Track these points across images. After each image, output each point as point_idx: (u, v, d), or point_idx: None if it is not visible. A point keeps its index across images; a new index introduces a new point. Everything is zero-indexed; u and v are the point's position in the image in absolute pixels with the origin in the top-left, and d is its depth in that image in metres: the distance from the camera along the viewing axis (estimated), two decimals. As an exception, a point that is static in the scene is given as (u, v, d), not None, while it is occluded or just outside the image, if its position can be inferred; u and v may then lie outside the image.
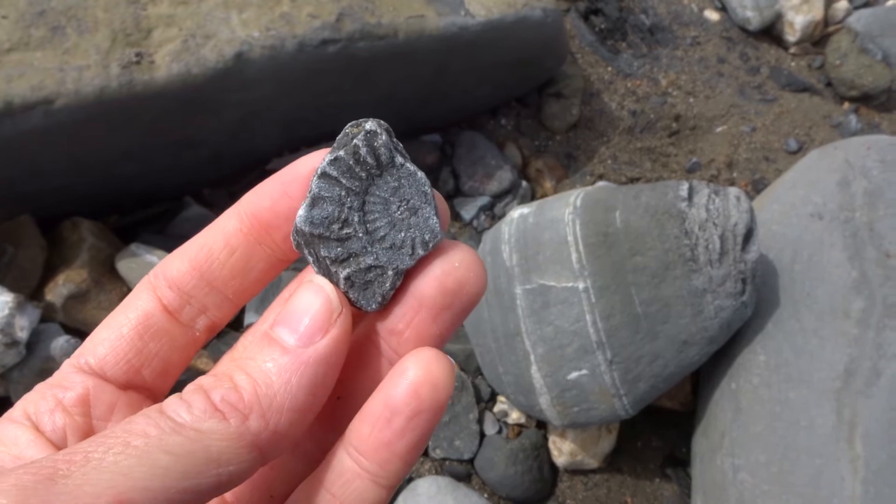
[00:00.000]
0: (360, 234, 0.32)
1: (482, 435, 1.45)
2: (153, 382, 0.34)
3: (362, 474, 0.31)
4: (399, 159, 0.32)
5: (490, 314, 1.31)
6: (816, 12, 2.09)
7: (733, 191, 1.25)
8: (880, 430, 1.11)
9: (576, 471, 1.46)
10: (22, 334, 1.21)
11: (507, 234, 1.31)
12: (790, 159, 1.93)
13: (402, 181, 0.32)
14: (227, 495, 0.34)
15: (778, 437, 1.18)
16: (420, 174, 0.32)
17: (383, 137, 0.31)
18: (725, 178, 1.89)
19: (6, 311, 1.19)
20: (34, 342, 1.24)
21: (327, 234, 0.32)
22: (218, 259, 0.33)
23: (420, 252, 0.32)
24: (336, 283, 0.32)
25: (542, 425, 1.46)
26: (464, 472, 1.42)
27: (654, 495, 1.46)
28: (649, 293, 1.20)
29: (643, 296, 1.20)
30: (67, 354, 1.23)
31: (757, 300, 1.27)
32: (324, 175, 0.31)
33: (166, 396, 0.29)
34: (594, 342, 1.21)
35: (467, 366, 1.50)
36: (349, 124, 0.33)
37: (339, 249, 0.32)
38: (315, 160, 0.32)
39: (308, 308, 0.30)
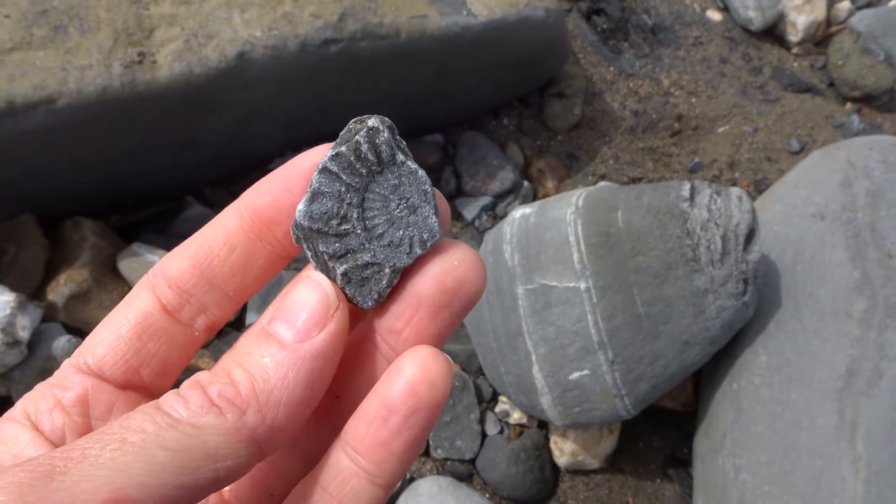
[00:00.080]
0: (359, 231, 0.32)
1: (483, 435, 1.45)
2: (152, 382, 0.33)
3: (359, 473, 0.30)
4: (400, 157, 0.32)
5: (491, 314, 1.31)
6: (819, 13, 2.08)
7: (735, 191, 1.25)
8: (882, 430, 1.11)
9: (577, 471, 1.46)
10: (23, 334, 1.21)
11: (508, 233, 1.31)
12: (792, 160, 1.93)
13: (403, 179, 0.32)
14: (227, 494, 0.34)
15: (779, 437, 1.18)
16: (421, 173, 0.32)
17: (385, 134, 0.31)
18: (727, 179, 1.88)
19: (8, 311, 1.19)
20: (36, 342, 1.25)
21: (326, 229, 0.32)
22: (218, 256, 0.33)
23: (418, 251, 0.32)
24: (333, 279, 0.32)
25: (543, 425, 1.46)
26: (465, 473, 1.42)
27: (656, 495, 1.46)
28: (651, 293, 1.20)
29: (645, 296, 1.20)
30: (69, 354, 1.23)
31: (758, 300, 1.27)
32: (324, 170, 0.31)
33: None
34: (596, 342, 1.21)
35: (469, 366, 1.50)
36: (353, 120, 0.32)
37: (337, 245, 0.32)
38: (317, 155, 0.32)
39: (305, 303, 0.30)
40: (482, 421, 1.46)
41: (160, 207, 1.55)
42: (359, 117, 0.32)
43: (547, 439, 1.45)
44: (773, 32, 2.15)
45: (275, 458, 0.34)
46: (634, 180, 1.84)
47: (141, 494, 0.24)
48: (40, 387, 0.32)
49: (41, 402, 0.31)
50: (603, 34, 2.06)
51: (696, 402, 1.46)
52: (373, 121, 0.32)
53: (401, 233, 0.32)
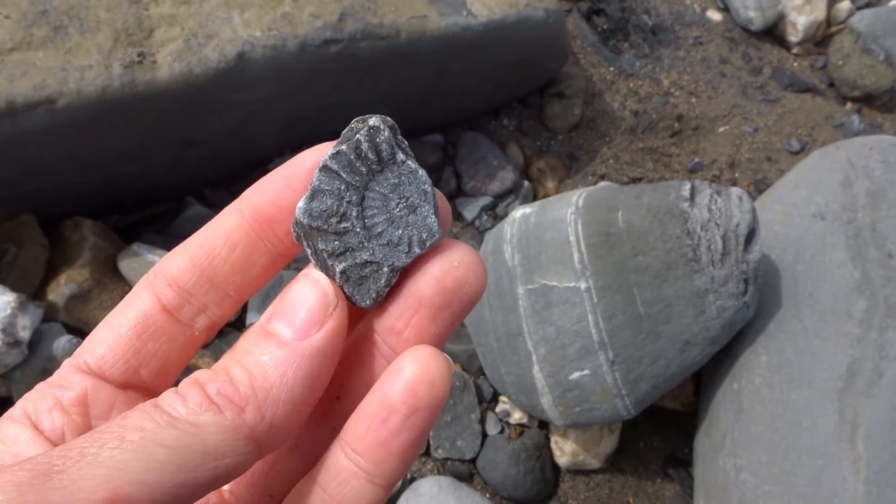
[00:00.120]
0: (358, 229, 0.32)
1: (484, 435, 1.45)
2: (151, 382, 0.33)
3: (359, 473, 0.30)
4: (400, 156, 0.32)
5: (492, 314, 1.31)
6: (819, 13, 2.08)
7: (735, 191, 1.25)
8: (882, 430, 1.11)
9: (578, 471, 1.46)
10: (24, 334, 1.21)
11: (509, 234, 1.31)
12: (792, 159, 1.93)
13: (403, 178, 0.32)
14: (227, 495, 0.34)
15: (780, 437, 1.18)
16: (421, 172, 0.32)
17: (385, 133, 0.31)
18: (728, 179, 1.88)
19: (8, 311, 1.19)
20: (36, 342, 1.25)
21: (325, 227, 0.32)
22: (219, 255, 0.33)
23: (417, 250, 0.32)
24: (332, 277, 0.32)
25: (544, 425, 1.46)
26: (466, 472, 1.42)
27: (656, 496, 1.46)
28: (651, 293, 1.20)
29: (645, 296, 1.20)
30: (69, 354, 1.23)
31: (759, 300, 1.27)
32: (325, 168, 0.31)
33: None
34: (596, 342, 1.21)
35: (469, 366, 1.50)
36: (355, 119, 0.33)
37: (336, 243, 0.32)
38: (318, 154, 0.32)
39: (304, 301, 0.30)
40: (483, 421, 1.46)
41: (160, 207, 1.55)
42: (361, 117, 0.32)
43: (547, 439, 1.45)
44: (773, 32, 2.15)
45: (275, 458, 0.34)
46: (634, 180, 1.84)
47: (140, 492, 0.24)
48: (40, 386, 0.32)
49: (41, 401, 0.31)
50: (603, 34, 2.06)
51: (697, 402, 1.46)
52: (374, 120, 0.32)
53: (400, 232, 0.32)
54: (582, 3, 2.08)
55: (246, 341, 0.30)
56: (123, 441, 0.25)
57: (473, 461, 1.43)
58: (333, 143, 0.32)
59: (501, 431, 1.45)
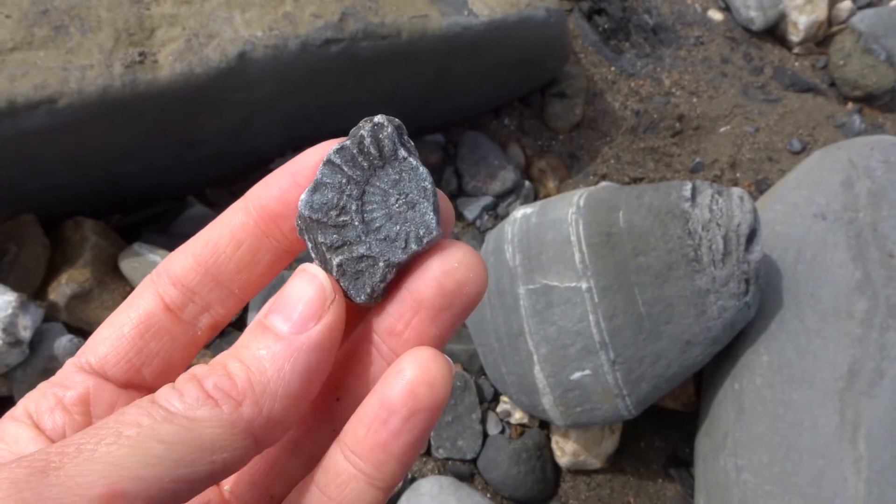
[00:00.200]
0: (356, 223, 0.32)
1: (485, 435, 1.45)
2: (154, 382, 0.33)
3: (358, 476, 0.30)
4: (402, 153, 0.32)
5: (493, 314, 1.31)
6: (820, 12, 2.08)
7: (737, 191, 1.25)
8: (883, 430, 1.11)
9: (579, 471, 1.45)
10: (25, 334, 1.21)
11: (510, 233, 1.31)
12: (794, 159, 1.93)
13: (404, 175, 0.32)
14: (228, 495, 0.34)
15: (781, 437, 1.18)
16: (422, 169, 0.32)
17: (388, 130, 0.32)
18: (729, 179, 1.88)
19: (9, 311, 1.19)
20: (37, 341, 1.25)
21: (325, 219, 0.32)
22: (224, 253, 0.33)
23: (413, 247, 0.31)
24: (330, 271, 0.32)
25: (545, 425, 1.46)
26: (467, 472, 1.42)
27: (657, 496, 1.46)
28: (652, 293, 1.20)
29: (646, 296, 1.20)
30: (70, 354, 1.23)
31: (760, 300, 1.27)
32: (328, 162, 0.32)
33: None
34: (597, 342, 1.21)
35: (470, 366, 1.50)
36: (364, 119, 0.33)
37: (334, 236, 0.32)
38: (324, 150, 0.32)
39: (301, 295, 0.30)
40: (484, 421, 1.46)
41: (161, 207, 1.56)
42: (369, 117, 0.33)
43: (548, 439, 1.45)
44: (774, 32, 2.15)
45: (275, 458, 0.34)
46: (636, 180, 1.84)
47: (137, 488, 0.24)
48: (42, 386, 0.32)
49: (42, 400, 0.31)
50: (604, 34, 2.06)
51: (698, 403, 1.46)
52: (379, 118, 0.32)
53: (397, 228, 0.32)
54: (583, 2, 2.08)
55: (244, 336, 0.30)
56: (120, 437, 0.25)
57: (474, 461, 1.43)
58: (338, 140, 0.32)
59: (502, 431, 1.45)
